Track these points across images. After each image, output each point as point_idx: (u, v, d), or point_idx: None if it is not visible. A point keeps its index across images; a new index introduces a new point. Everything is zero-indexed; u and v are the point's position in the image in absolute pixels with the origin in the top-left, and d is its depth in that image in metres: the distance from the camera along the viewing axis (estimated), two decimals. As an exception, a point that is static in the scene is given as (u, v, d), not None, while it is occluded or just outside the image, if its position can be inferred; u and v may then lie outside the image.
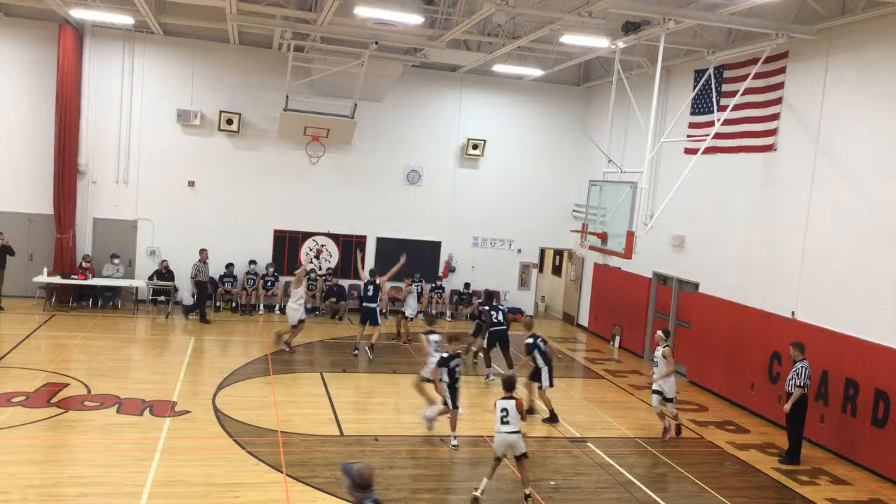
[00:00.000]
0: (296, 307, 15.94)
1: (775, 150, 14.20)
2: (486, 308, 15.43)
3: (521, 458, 9.30)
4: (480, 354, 15.88)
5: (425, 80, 21.31)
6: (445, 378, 10.99)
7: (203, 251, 18.66)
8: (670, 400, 12.38)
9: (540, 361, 12.66)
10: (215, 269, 19.97)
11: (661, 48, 13.32)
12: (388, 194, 21.49)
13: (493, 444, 9.47)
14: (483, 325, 15.88)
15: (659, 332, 12.85)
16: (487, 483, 9.21)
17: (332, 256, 21.38)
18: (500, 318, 15.19)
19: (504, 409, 9.18)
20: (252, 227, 20.54)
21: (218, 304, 20.02)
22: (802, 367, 11.46)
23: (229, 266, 20.05)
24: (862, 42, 12.38)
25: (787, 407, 11.50)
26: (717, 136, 14.78)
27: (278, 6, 16.55)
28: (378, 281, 16.52)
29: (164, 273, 19.15)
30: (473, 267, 22.26)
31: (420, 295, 21.08)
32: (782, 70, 14.02)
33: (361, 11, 14.55)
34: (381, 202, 21.46)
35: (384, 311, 21.20)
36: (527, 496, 9.25)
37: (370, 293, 16.40)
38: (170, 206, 19.98)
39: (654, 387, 12.49)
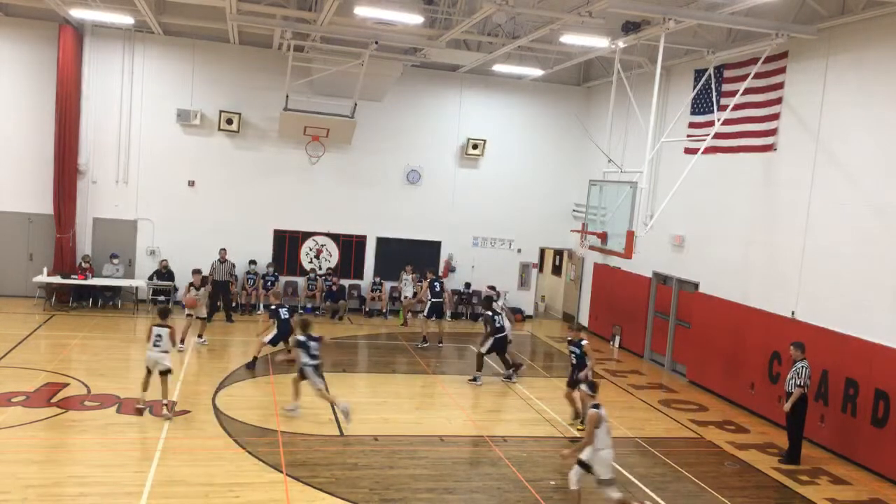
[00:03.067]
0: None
1: (775, 150, 14.20)
2: (489, 314, 14.94)
3: (164, 374, 11.48)
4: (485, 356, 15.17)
5: (425, 80, 21.30)
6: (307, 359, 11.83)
7: (222, 250, 18.90)
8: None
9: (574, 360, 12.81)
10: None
11: (661, 48, 13.33)
12: (388, 194, 21.49)
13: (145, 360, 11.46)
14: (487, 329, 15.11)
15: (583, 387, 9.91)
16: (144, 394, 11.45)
17: (332, 256, 21.38)
18: (502, 322, 14.99)
19: (158, 335, 11.36)
20: (252, 227, 20.54)
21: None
22: (802, 366, 11.46)
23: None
24: (862, 42, 12.37)
25: (787, 407, 11.51)
26: (717, 135, 14.78)
27: (278, 6, 16.55)
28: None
29: (164, 273, 19.15)
30: (473, 267, 22.26)
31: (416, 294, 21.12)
32: (782, 70, 14.02)
33: (361, 11, 14.54)
34: (381, 202, 21.46)
35: (384, 310, 21.27)
36: (164, 405, 11.38)
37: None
38: (170, 206, 19.99)
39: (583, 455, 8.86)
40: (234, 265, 19.41)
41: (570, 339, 12.98)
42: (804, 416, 11.63)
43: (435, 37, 16.89)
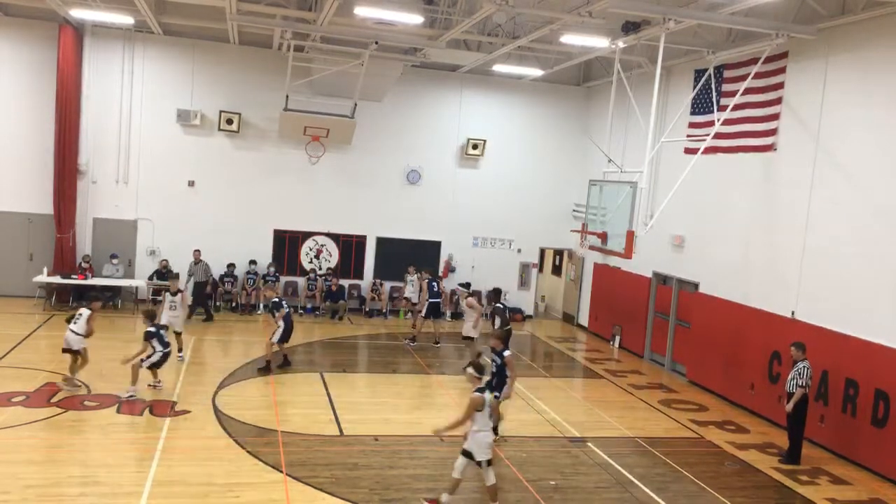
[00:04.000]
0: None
1: (775, 150, 14.20)
2: (501, 307, 14.98)
3: (74, 354, 12.38)
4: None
5: (425, 80, 21.30)
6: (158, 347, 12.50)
7: (196, 251, 18.88)
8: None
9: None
10: (216, 269, 19.98)
11: (661, 48, 13.32)
12: (388, 194, 21.49)
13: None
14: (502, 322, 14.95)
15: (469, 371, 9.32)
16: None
17: (332, 256, 21.38)
18: (508, 316, 15.18)
19: (79, 314, 12.42)
20: (252, 227, 20.54)
21: (218, 303, 20.01)
22: (804, 366, 11.46)
23: (230, 266, 20.06)
24: (862, 42, 12.37)
25: (789, 407, 11.49)
26: (717, 136, 14.78)
27: (278, 6, 16.55)
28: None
29: (164, 273, 19.13)
30: (473, 267, 22.25)
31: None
32: (782, 70, 14.02)
33: (361, 11, 14.56)
34: (381, 202, 21.46)
35: (384, 310, 21.26)
36: (65, 378, 12.22)
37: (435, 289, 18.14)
38: (170, 206, 19.99)
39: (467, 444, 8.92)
40: (214, 266, 19.42)
41: (492, 347, 11.50)
42: (805, 417, 11.62)
43: (435, 37, 16.89)
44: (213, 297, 19.67)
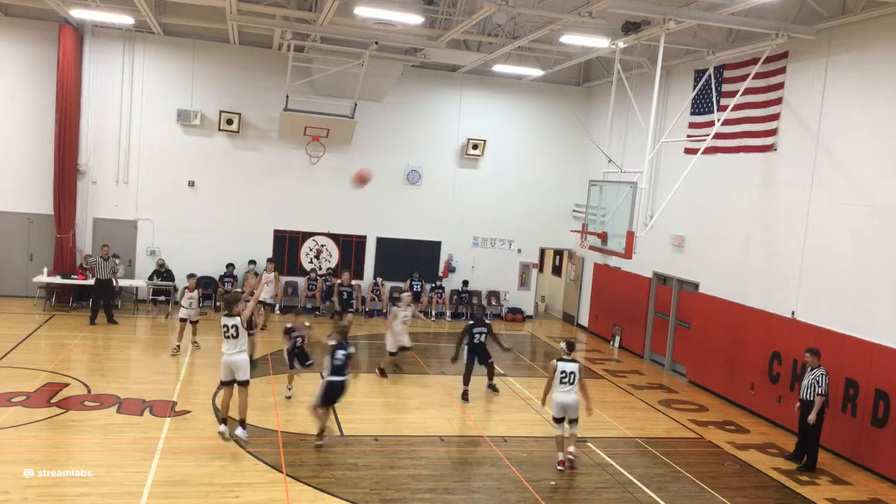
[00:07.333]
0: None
1: (775, 150, 14.20)
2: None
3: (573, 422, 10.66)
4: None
5: (425, 80, 21.31)
6: None
7: (104, 247, 17.89)
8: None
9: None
10: (216, 269, 19.98)
11: (661, 48, 13.33)
12: (388, 194, 21.48)
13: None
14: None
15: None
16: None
17: (332, 256, 21.38)
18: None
19: (564, 372, 10.37)
20: (252, 227, 20.54)
21: (219, 304, 19.96)
22: (821, 374, 11.22)
23: (229, 266, 20.07)
24: (862, 42, 12.38)
25: (812, 417, 11.15)
26: (717, 136, 14.78)
27: (278, 6, 16.56)
28: None
29: (162, 272, 19.14)
30: (473, 267, 22.26)
31: (419, 294, 21.15)
32: (782, 70, 14.02)
33: (361, 11, 14.56)
34: (381, 202, 21.46)
35: (384, 310, 21.24)
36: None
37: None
38: (170, 206, 19.99)
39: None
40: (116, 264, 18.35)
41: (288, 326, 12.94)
42: (822, 424, 11.43)
43: (435, 37, 16.89)
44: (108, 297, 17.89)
